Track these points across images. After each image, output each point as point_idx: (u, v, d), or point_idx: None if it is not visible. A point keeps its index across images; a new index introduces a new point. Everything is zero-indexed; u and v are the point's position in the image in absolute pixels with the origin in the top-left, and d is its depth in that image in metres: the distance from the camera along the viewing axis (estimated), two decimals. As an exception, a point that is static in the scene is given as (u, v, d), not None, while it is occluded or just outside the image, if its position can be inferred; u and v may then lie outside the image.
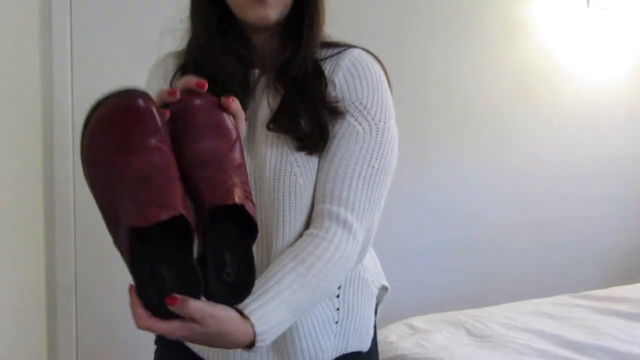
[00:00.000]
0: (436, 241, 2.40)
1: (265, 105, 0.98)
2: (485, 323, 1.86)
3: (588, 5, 2.50)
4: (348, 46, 1.03)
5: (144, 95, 0.75)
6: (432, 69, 2.36)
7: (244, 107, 0.91)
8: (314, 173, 0.97)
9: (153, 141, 0.74)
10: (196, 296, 0.75)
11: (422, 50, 2.33)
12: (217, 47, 0.98)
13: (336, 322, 1.04)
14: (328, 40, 1.03)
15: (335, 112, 0.97)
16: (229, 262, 0.80)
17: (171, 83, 1.01)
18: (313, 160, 0.96)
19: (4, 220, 1.60)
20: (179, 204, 0.73)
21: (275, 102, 0.98)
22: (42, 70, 1.86)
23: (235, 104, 0.84)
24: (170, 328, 0.75)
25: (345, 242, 0.91)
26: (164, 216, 0.71)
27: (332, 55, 1.01)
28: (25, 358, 1.80)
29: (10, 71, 1.64)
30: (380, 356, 1.74)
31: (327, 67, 1.00)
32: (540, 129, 2.53)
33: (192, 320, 0.75)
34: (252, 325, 0.80)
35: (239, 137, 0.84)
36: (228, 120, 0.83)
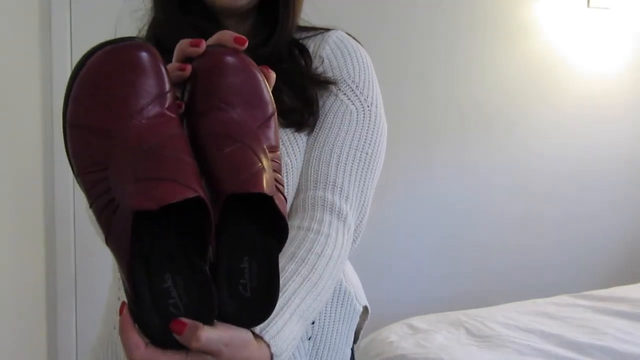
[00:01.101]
0: (436, 241, 2.40)
1: None
2: (485, 323, 1.86)
3: (588, 5, 2.51)
4: (330, 29, 0.96)
5: (149, 48, 0.59)
6: (437, 67, 2.36)
7: None
8: (303, 153, 0.87)
9: (158, 106, 0.58)
10: (209, 320, 0.58)
11: (427, 49, 2.33)
12: (181, 23, 0.87)
13: (309, 339, 0.90)
14: (308, 25, 0.96)
15: (324, 82, 0.88)
16: (247, 270, 0.62)
17: None
18: (302, 139, 0.86)
19: (4, 220, 1.60)
20: (196, 183, 0.55)
21: None
22: (42, 70, 1.85)
23: (273, 76, 0.68)
24: None
25: (342, 235, 0.81)
26: (180, 196, 0.53)
27: (314, 35, 0.94)
28: (25, 358, 1.79)
29: (10, 71, 1.64)
30: (380, 356, 1.75)
31: (310, 45, 0.93)
32: (542, 126, 2.53)
33: (204, 352, 0.59)
34: (268, 346, 0.65)
35: (275, 114, 0.66)
36: (265, 89, 0.65)
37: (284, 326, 0.67)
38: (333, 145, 0.85)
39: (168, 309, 0.57)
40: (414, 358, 1.65)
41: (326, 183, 0.83)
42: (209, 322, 0.58)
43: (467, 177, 2.43)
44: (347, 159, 0.84)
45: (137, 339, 0.57)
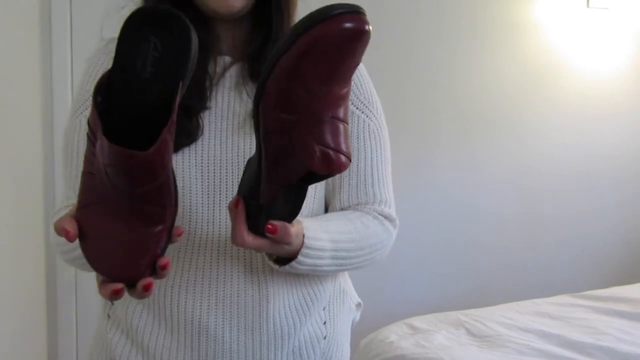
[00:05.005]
0: (436, 241, 2.40)
1: (245, 96, 0.89)
2: (485, 323, 1.86)
3: (588, 5, 2.51)
4: None
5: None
6: (438, 68, 2.36)
7: (207, 94, 0.87)
8: None
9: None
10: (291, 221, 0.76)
11: (428, 49, 2.33)
12: None
13: (324, 338, 0.95)
14: None
15: None
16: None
17: None
18: None
19: (4, 220, 1.60)
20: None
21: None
22: (42, 70, 1.86)
23: None
24: (260, 244, 0.75)
25: (393, 237, 1.01)
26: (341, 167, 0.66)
27: None
28: (25, 358, 1.80)
29: (10, 71, 1.64)
30: (380, 356, 1.75)
31: None
32: (542, 126, 2.53)
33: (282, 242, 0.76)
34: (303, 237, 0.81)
35: None
36: None
37: (318, 234, 0.83)
38: (372, 163, 0.96)
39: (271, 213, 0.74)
40: (414, 358, 1.65)
41: (375, 200, 0.98)
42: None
43: (467, 177, 2.43)
44: (384, 174, 0.98)
45: (244, 228, 0.73)
